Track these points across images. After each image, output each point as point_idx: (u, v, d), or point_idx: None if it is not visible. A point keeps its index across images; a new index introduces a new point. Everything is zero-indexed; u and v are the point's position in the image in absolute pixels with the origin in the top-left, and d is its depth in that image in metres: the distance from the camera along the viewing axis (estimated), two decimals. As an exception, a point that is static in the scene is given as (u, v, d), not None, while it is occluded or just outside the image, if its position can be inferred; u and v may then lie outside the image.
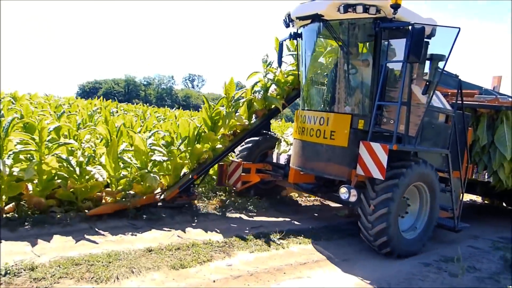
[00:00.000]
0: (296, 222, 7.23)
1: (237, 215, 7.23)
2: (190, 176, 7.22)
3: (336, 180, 6.70)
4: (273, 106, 8.19)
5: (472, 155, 8.10)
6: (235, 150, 8.14)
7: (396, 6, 5.32)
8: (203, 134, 7.65)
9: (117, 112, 14.55)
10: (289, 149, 7.94)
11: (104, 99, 18.14)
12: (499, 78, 10.27)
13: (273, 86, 8.26)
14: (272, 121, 9.57)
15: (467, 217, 7.77)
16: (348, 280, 4.91)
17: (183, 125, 7.65)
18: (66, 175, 6.05)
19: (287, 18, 6.55)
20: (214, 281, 4.43)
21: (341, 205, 7.56)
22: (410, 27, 5.26)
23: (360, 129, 5.95)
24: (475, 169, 8.37)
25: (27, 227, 5.32)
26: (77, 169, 6.08)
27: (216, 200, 7.80)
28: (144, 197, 6.63)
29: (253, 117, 8.40)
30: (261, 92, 8.19)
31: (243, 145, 8.12)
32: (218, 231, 6.19)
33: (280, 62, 7.50)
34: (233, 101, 7.90)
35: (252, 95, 8.28)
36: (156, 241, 5.43)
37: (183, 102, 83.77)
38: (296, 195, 9.13)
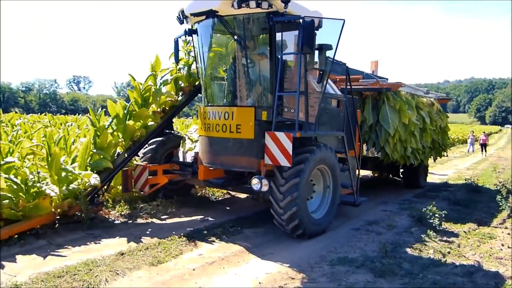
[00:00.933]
0: (210, 218, 7.23)
1: (148, 220, 6.97)
2: (93, 186, 6.75)
3: (245, 172, 6.85)
4: (197, 82, 8.21)
5: (362, 135, 8.93)
6: (138, 153, 7.80)
7: (286, 1, 5.58)
8: (133, 112, 7.54)
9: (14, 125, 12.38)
10: (195, 146, 7.88)
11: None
12: (376, 62, 11.44)
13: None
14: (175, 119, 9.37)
15: (368, 190, 9.15)
16: (268, 266, 5.08)
17: (111, 105, 7.46)
18: (9, 194, 5.70)
19: (180, 14, 6.44)
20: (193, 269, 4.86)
21: (253, 195, 7.75)
22: (301, 20, 5.55)
23: (264, 120, 6.14)
24: (365, 146, 9.21)
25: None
26: (23, 187, 5.77)
27: (124, 207, 7.41)
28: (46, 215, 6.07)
29: (180, 94, 8.40)
30: (185, 69, 8.25)
31: (146, 146, 7.83)
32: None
33: (177, 59, 7.36)
34: (160, 78, 7.99)
35: (178, 72, 8.27)
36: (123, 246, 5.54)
37: (71, 107, 77.65)
38: (207, 191, 9.12)
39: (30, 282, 4.30)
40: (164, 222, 6.98)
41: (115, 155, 7.36)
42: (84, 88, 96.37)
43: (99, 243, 5.71)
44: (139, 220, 6.93)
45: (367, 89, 8.86)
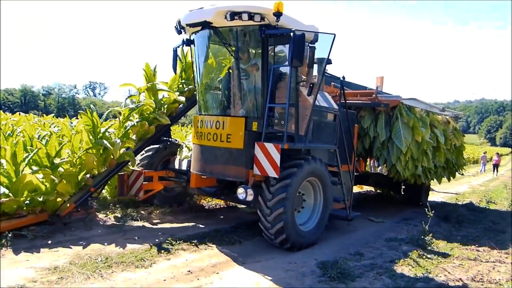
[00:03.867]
0: (201, 226, 7.29)
1: (140, 224, 7.07)
2: (87, 189, 6.91)
3: (237, 181, 6.91)
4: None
5: (374, 151, 8.86)
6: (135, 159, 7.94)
7: (278, 14, 5.67)
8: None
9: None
10: (191, 154, 7.98)
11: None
12: (382, 78, 11.41)
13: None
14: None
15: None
16: (251, 277, 5.06)
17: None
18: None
19: (178, 25, 6.61)
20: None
21: (244, 205, 7.80)
22: (292, 34, 5.64)
23: (255, 131, 6.21)
24: (375, 162, 9.13)
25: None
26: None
27: (117, 211, 7.53)
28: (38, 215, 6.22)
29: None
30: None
31: (143, 153, 7.97)
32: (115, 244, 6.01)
33: (175, 69, 7.52)
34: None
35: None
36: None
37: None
38: (202, 199, 9.19)
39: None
40: (155, 227, 7.06)
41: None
42: (99, 94, 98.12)
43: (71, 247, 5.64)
44: (129, 224, 7.03)
45: (364, 104, 8.85)
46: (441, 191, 14.82)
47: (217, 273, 5.08)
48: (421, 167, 9.09)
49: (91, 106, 7.27)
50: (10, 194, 5.94)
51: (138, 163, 8.00)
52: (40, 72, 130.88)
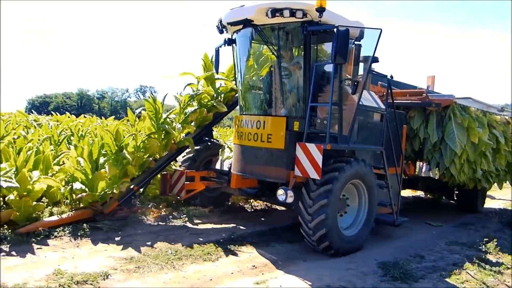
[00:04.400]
0: (241, 227, 7.21)
1: (181, 223, 7.10)
2: (131, 187, 7.04)
3: (278, 182, 6.76)
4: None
5: (424, 153, 8.39)
6: (177, 159, 8.02)
7: (321, 10, 5.48)
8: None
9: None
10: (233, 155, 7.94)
11: (57, 113, 17.08)
12: (433, 77, 10.80)
13: None
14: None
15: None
16: (314, 273, 5.10)
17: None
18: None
19: (219, 24, 6.58)
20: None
21: (284, 207, 7.64)
22: (335, 29, 5.42)
23: (296, 130, 6.04)
24: (426, 166, 8.63)
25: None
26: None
27: (161, 210, 7.62)
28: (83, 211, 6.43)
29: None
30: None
31: (184, 155, 8.03)
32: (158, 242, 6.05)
33: (217, 68, 7.51)
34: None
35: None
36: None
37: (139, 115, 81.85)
38: (244, 201, 9.12)
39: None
40: (196, 227, 7.07)
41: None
42: (149, 97, 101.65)
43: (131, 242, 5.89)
44: (172, 223, 7.08)
45: (413, 104, 8.37)
46: (499, 198, 13.81)
47: (280, 269, 5.27)
48: (480, 170, 8.46)
49: (150, 101, 7.45)
50: (87, 190, 6.44)
51: (180, 164, 8.07)
52: (95, 76, 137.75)
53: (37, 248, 5.33)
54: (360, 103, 6.04)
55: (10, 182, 5.54)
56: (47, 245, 5.49)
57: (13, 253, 5.11)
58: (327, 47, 6.16)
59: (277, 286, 4.72)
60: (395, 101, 7.35)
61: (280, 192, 5.80)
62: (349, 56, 5.69)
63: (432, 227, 8.56)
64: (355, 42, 5.94)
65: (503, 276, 5.68)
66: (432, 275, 5.46)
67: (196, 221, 7.38)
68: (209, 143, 8.38)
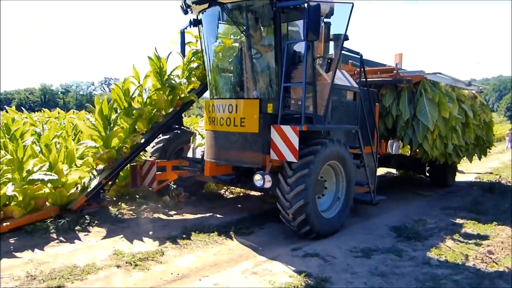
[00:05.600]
0: (218, 216, 6.99)
1: (156, 216, 6.82)
2: (98, 181, 6.68)
3: (254, 168, 6.56)
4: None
5: (398, 130, 8.35)
6: (147, 149, 7.68)
7: (289, -16, 5.24)
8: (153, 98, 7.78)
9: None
10: (205, 142, 7.66)
11: (20, 110, 16.07)
12: (401, 55, 10.77)
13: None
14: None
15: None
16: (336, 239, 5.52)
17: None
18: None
19: (183, 4, 6.22)
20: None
21: (261, 192, 7.46)
22: (305, 5, 5.20)
23: (270, 113, 5.83)
24: (399, 143, 8.61)
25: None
26: None
27: (130, 203, 7.29)
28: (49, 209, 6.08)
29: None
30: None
31: (153, 145, 7.70)
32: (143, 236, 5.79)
33: (183, 52, 7.15)
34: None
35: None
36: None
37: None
38: (220, 188, 8.89)
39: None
40: (170, 218, 6.80)
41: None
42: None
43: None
44: (145, 216, 6.79)
45: (385, 81, 8.31)
46: (468, 172, 14.15)
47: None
48: (451, 145, 8.55)
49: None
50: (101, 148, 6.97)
51: (151, 153, 7.73)
52: (58, 71, 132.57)
53: (84, 235, 5.75)
54: (334, 82, 5.87)
55: (50, 175, 5.89)
56: (90, 231, 5.90)
57: (63, 239, 5.52)
58: (298, 25, 5.96)
59: (313, 251, 5.26)
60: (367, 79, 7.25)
61: (257, 177, 5.60)
62: (320, 34, 5.51)
63: (423, 197, 9.38)
64: (325, 19, 5.76)
65: (496, 229, 6.50)
66: (437, 234, 6.28)
67: (171, 212, 7.11)
68: (179, 131, 8.07)
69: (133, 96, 7.47)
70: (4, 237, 5.40)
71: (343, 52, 6.13)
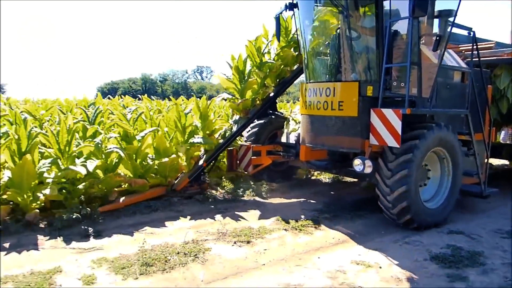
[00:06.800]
0: (312, 201, 6.94)
1: (251, 199, 6.99)
2: (200, 164, 7.03)
3: (351, 153, 6.37)
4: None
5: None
6: (243, 134, 7.87)
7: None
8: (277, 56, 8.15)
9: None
10: (298, 127, 7.61)
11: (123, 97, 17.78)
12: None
13: None
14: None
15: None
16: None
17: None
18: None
19: None
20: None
21: (357, 179, 7.24)
22: (413, -21, 4.81)
23: (370, 96, 5.57)
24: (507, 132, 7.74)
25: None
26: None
27: (228, 186, 7.55)
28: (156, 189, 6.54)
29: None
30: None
31: (249, 130, 7.85)
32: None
33: (278, 37, 7.13)
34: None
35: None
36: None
37: (199, 94, 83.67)
38: (313, 173, 8.82)
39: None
40: (265, 201, 6.92)
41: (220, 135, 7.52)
42: (206, 77, 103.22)
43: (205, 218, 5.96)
44: (242, 199, 6.99)
45: (500, 60, 7.41)
46: None
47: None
48: None
49: None
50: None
51: (246, 138, 7.92)
52: (156, 61, 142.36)
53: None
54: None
55: (205, 139, 7.07)
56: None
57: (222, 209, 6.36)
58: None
59: (456, 229, 5.50)
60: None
61: (357, 162, 5.41)
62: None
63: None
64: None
65: None
66: None
67: (265, 195, 7.23)
68: (273, 116, 8.13)
69: (264, 52, 8.04)
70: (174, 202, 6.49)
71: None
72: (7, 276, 3.86)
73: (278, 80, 8.02)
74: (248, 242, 4.92)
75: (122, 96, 18.87)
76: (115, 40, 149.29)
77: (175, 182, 6.84)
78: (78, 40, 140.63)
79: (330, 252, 4.71)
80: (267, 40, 8.16)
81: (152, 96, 21.05)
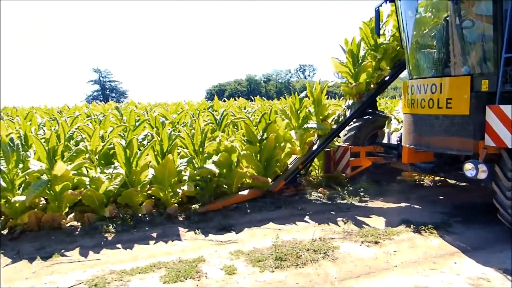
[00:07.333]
0: (416, 206, 6.38)
1: (348, 202, 6.68)
2: (295, 167, 6.95)
3: (461, 156, 5.70)
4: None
5: None
6: (340, 135, 7.57)
7: None
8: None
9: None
10: (401, 127, 7.07)
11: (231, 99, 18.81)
12: None
13: None
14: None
15: None
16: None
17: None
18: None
19: None
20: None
21: (469, 183, 6.45)
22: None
23: (484, 91, 4.90)
24: None
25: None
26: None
27: (323, 188, 7.32)
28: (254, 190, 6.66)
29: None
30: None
31: (348, 128, 7.50)
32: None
33: (378, 31, 6.69)
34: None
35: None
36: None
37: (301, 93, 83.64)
38: (416, 176, 8.13)
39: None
40: (365, 205, 6.56)
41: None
42: (309, 75, 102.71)
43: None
44: (339, 202, 6.73)
45: None
46: None
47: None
48: None
49: None
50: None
51: (344, 138, 7.61)
52: (260, 62, 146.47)
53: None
54: None
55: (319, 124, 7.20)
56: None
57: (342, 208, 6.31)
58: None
59: None
60: None
61: (469, 166, 4.79)
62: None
63: None
64: None
65: None
66: None
67: (364, 199, 6.86)
68: (371, 116, 7.66)
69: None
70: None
71: None
72: (160, 262, 4.29)
73: (394, 63, 7.46)
74: (376, 242, 4.83)
75: (229, 98, 19.79)
76: (222, 44, 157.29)
77: (271, 183, 6.85)
78: (188, 45, 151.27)
79: (468, 258, 4.38)
80: (382, 21, 7.52)
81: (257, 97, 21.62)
